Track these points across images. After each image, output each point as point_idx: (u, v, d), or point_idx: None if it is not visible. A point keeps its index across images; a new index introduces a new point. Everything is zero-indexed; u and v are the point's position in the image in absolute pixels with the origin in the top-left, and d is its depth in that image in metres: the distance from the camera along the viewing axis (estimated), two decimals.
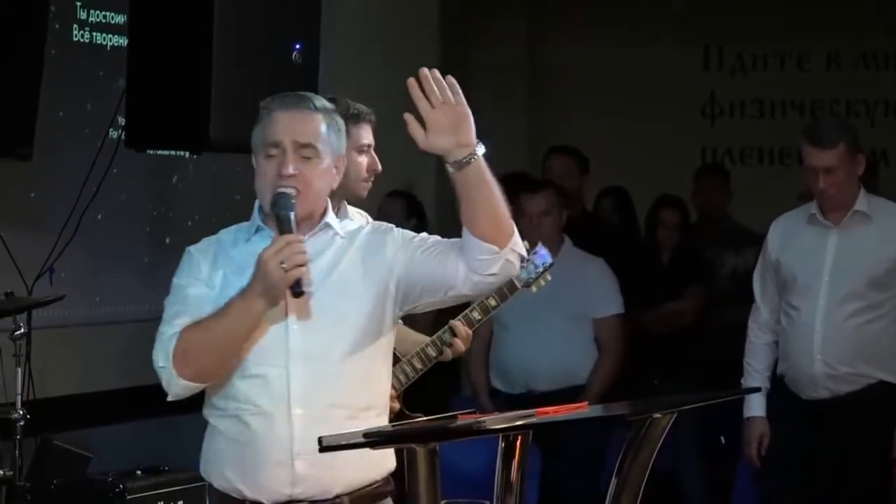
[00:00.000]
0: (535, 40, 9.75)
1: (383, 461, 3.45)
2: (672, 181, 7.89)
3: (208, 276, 3.44)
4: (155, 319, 3.46)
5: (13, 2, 5.20)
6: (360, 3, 7.88)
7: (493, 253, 3.27)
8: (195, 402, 3.48)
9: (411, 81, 3.20)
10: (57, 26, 5.86)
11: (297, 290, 3.27)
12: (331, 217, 3.47)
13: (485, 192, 3.25)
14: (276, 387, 3.36)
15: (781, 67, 9.73)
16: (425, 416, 3.63)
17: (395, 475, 3.48)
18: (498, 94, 9.03)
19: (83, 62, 6.23)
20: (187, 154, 6.23)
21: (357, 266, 3.42)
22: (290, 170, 3.35)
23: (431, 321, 4.43)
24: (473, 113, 3.23)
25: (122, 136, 5.47)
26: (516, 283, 4.50)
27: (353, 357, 3.38)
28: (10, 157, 5.39)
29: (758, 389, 5.21)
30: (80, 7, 6.23)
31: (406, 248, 3.41)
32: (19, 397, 5.05)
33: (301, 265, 3.25)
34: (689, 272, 7.09)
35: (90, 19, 6.26)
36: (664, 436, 3.24)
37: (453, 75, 3.23)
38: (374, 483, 3.45)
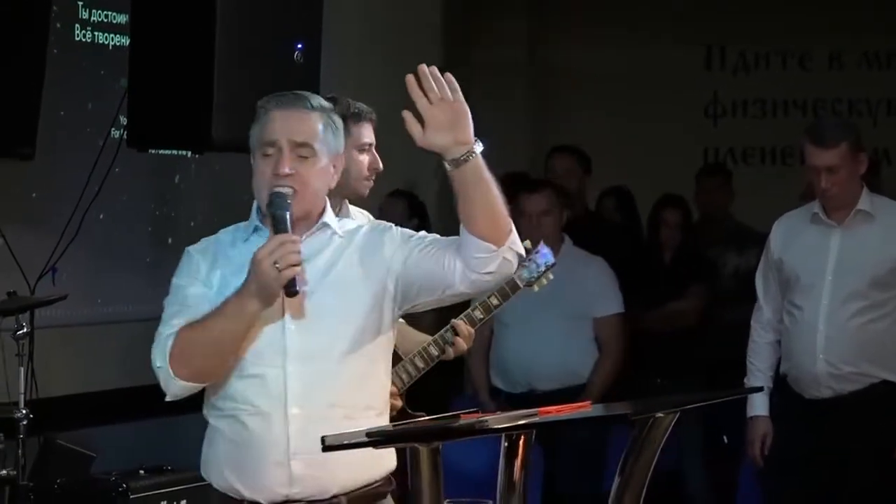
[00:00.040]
0: (536, 40, 9.75)
1: (382, 461, 3.44)
2: (674, 181, 7.89)
3: (207, 276, 3.44)
4: (157, 319, 3.46)
5: (15, 1, 5.20)
6: (362, 3, 7.88)
7: (490, 251, 3.27)
8: (198, 402, 3.48)
9: (410, 78, 3.20)
10: (59, 25, 5.85)
11: (291, 289, 3.26)
12: (329, 216, 3.47)
13: (482, 190, 3.24)
14: (273, 387, 3.36)
15: (784, 67, 9.72)
16: (428, 415, 3.63)
17: (397, 474, 3.48)
18: (499, 94, 9.03)
19: (85, 62, 6.23)
20: (189, 154, 6.23)
21: (355, 265, 3.42)
22: (287, 169, 3.35)
23: (434, 320, 4.42)
24: (473, 112, 3.23)
25: (125, 136, 5.48)
26: (518, 282, 4.51)
27: (351, 356, 3.38)
28: (12, 156, 5.39)
29: (760, 389, 5.21)
30: (82, 7, 6.23)
31: (404, 246, 3.41)
32: (22, 397, 5.05)
33: (295, 265, 3.24)
34: (691, 272, 7.09)
35: (92, 19, 6.26)
36: (667, 435, 3.23)
37: (454, 75, 3.23)
38: (374, 483, 3.44)
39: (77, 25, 6.21)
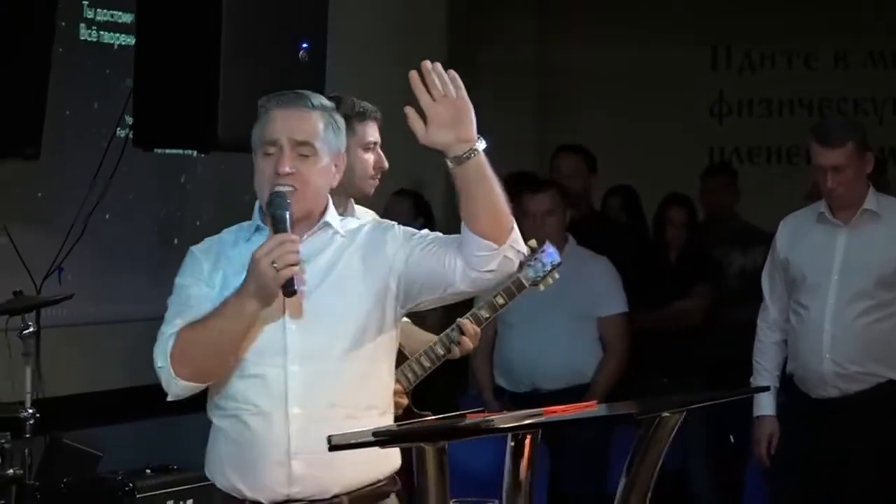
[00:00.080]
0: (542, 40, 9.75)
1: (386, 460, 3.43)
2: (680, 180, 7.88)
3: (209, 276, 3.44)
4: (163, 319, 3.46)
5: (20, 1, 5.20)
6: (367, 2, 7.88)
7: (491, 249, 3.26)
8: (204, 402, 3.48)
9: (413, 74, 3.19)
10: (63, 25, 5.86)
11: (289, 289, 3.25)
12: (331, 216, 3.46)
13: (485, 188, 3.23)
14: (274, 387, 3.36)
15: (789, 66, 9.72)
16: (434, 414, 3.63)
17: (402, 473, 3.48)
18: (505, 93, 9.03)
19: (90, 61, 6.24)
20: (195, 153, 6.24)
21: (357, 264, 3.41)
22: (287, 168, 3.35)
23: (440, 319, 4.43)
24: (479, 112, 3.22)
25: (130, 136, 5.48)
26: (524, 281, 4.51)
27: (353, 356, 3.37)
28: (18, 156, 5.39)
29: (767, 388, 5.21)
30: (87, 6, 6.24)
31: (406, 245, 3.40)
32: (29, 396, 5.06)
33: (293, 265, 3.24)
34: (697, 271, 7.09)
35: (97, 18, 6.27)
36: (673, 435, 3.23)
37: (460, 75, 3.22)
38: (377, 482, 3.44)
39: (82, 25, 6.22)
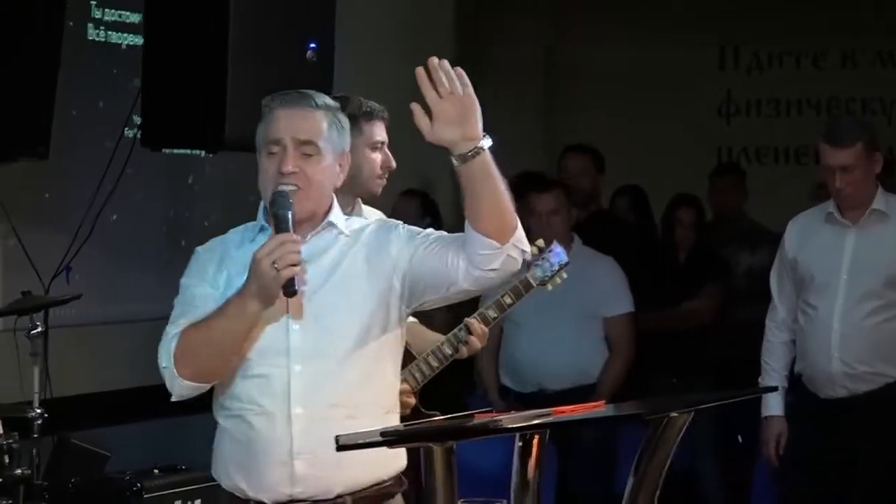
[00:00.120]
0: (550, 39, 9.75)
1: (390, 460, 3.43)
2: (688, 180, 7.88)
3: (214, 276, 3.44)
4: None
5: (28, 1, 5.20)
6: (375, 2, 7.88)
7: (494, 248, 3.24)
8: (212, 402, 3.48)
9: (420, 70, 3.16)
10: (71, 24, 5.86)
11: (290, 289, 3.24)
12: (335, 215, 3.45)
13: (489, 186, 3.21)
14: (277, 386, 3.36)
15: (797, 66, 9.71)
16: (442, 413, 3.63)
17: (410, 473, 3.48)
18: (513, 93, 9.03)
19: (98, 61, 6.24)
20: (203, 153, 6.24)
21: (361, 264, 3.41)
22: (290, 167, 3.34)
23: (448, 319, 4.43)
24: (486, 112, 3.20)
25: (138, 136, 5.48)
26: (532, 281, 4.50)
27: (356, 356, 3.37)
28: (26, 156, 5.39)
29: (775, 388, 5.20)
30: (95, 6, 6.24)
31: (410, 244, 3.39)
32: (37, 396, 5.06)
33: (294, 265, 3.23)
34: (705, 271, 7.08)
35: (105, 18, 6.27)
36: (681, 435, 3.23)
37: (468, 74, 3.20)
38: (381, 482, 3.43)
39: (90, 25, 6.22)
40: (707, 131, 9.62)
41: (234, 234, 3.53)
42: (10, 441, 4.91)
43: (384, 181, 4.09)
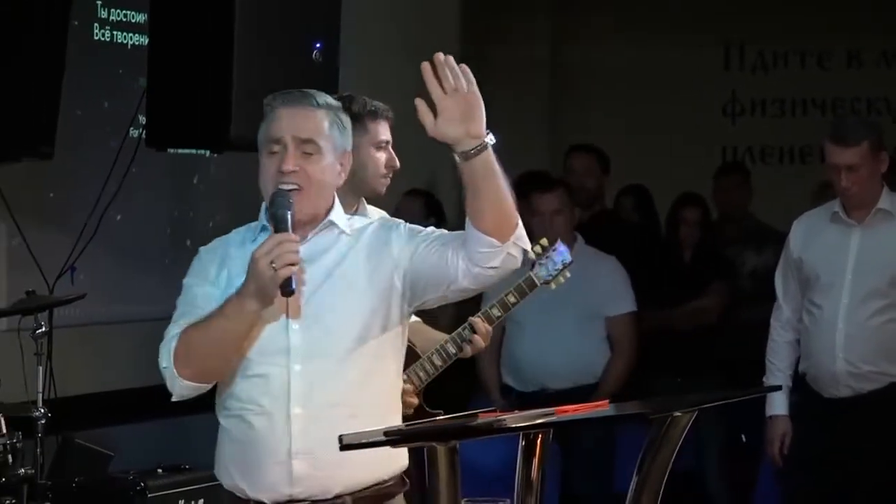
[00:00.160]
0: (555, 39, 9.74)
1: (391, 460, 3.42)
2: (693, 180, 7.87)
3: (215, 276, 3.43)
4: None
5: (34, 1, 5.21)
6: (380, 2, 7.88)
7: (494, 246, 3.24)
8: (213, 401, 3.48)
9: (426, 66, 3.16)
10: (77, 24, 5.86)
11: (287, 289, 3.23)
12: (336, 215, 3.44)
13: (491, 184, 3.20)
14: (276, 386, 3.36)
15: (802, 66, 9.69)
16: (446, 412, 3.63)
17: (412, 472, 3.47)
18: (518, 92, 9.02)
19: (104, 61, 6.24)
20: (208, 153, 6.24)
21: (362, 263, 3.40)
22: (291, 166, 3.34)
23: (452, 318, 4.43)
24: (491, 111, 3.19)
25: (143, 135, 5.48)
26: (536, 280, 4.51)
27: (356, 355, 3.36)
28: (32, 156, 5.39)
29: (779, 388, 5.20)
30: (101, 6, 6.25)
31: (411, 242, 3.39)
32: (41, 395, 5.06)
33: (292, 264, 3.22)
34: (711, 270, 7.08)
35: (111, 18, 6.28)
36: (685, 434, 3.23)
37: (473, 73, 3.20)
38: (382, 482, 3.43)
39: (96, 24, 6.22)
40: (712, 131, 9.61)
41: (237, 233, 3.53)
42: (14, 440, 4.91)
43: (388, 181, 4.09)
